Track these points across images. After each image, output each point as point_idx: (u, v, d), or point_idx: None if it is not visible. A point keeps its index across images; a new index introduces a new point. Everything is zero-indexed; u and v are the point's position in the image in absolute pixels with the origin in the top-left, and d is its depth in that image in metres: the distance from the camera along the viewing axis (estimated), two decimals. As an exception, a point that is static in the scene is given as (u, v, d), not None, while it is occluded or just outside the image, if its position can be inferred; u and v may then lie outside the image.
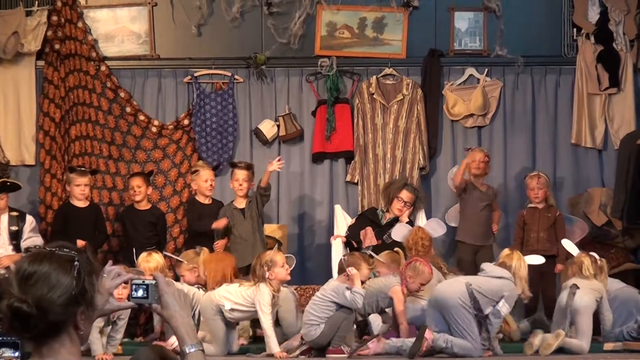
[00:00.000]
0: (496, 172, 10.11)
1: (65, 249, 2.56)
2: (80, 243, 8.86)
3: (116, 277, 2.81)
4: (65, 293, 2.50)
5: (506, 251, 7.91)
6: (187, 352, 2.73)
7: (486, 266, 7.77)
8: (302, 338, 7.51)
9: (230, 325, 7.71)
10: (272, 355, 7.35)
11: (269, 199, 9.32)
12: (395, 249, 8.53)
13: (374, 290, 7.80)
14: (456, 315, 7.33)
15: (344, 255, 7.88)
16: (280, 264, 7.49)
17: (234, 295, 7.61)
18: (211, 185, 9.27)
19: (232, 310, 7.57)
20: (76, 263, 2.53)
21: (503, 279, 7.56)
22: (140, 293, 2.80)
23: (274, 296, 7.47)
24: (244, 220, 9.12)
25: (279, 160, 9.20)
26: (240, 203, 9.19)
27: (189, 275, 8.37)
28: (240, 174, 9.17)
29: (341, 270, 7.66)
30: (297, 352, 7.44)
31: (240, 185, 9.15)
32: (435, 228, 8.96)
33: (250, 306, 7.53)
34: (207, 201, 9.32)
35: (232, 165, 9.33)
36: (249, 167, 9.24)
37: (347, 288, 7.35)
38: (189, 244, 9.24)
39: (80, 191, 9.22)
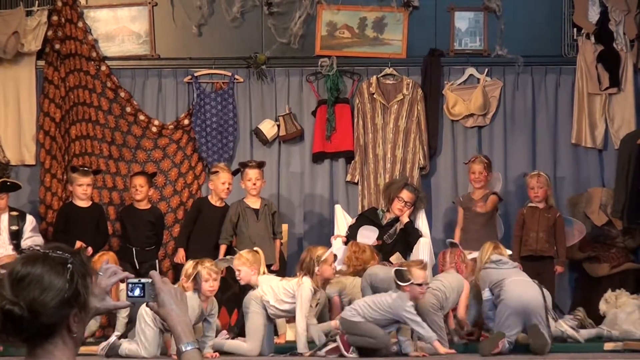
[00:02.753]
0: (496, 172, 10.10)
1: (59, 251, 2.54)
2: (77, 245, 8.88)
3: (112, 276, 2.80)
4: (57, 295, 2.49)
5: (489, 247, 8.18)
6: (184, 350, 2.73)
7: (502, 258, 8.03)
8: (327, 335, 7.54)
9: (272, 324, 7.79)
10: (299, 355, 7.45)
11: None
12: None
13: (451, 288, 7.93)
14: (541, 315, 7.56)
15: (398, 268, 7.70)
16: (329, 262, 7.62)
17: (275, 289, 7.67)
18: (228, 188, 9.19)
19: (273, 306, 7.63)
20: (69, 265, 2.52)
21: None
22: (136, 292, 2.79)
23: (315, 292, 7.56)
24: (257, 222, 9.11)
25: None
26: (254, 203, 9.17)
27: None
28: (252, 173, 9.14)
29: (400, 279, 7.50)
30: (324, 351, 7.45)
31: (254, 184, 9.12)
32: (368, 235, 8.96)
33: (291, 299, 7.60)
34: (219, 203, 9.26)
35: (243, 166, 9.29)
36: (260, 166, 9.21)
37: (408, 308, 7.32)
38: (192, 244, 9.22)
39: (82, 191, 9.22)
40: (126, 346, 7.56)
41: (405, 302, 7.34)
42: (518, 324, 7.69)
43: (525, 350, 7.71)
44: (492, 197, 9.43)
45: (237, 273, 7.98)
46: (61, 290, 2.49)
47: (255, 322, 7.65)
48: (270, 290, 7.70)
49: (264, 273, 8.00)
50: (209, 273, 7.42)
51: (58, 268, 2.51)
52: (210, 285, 7.42)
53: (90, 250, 8.53)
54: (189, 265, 7.70)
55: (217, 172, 9.26)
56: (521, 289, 7.78)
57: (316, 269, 7.54)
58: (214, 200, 9.28)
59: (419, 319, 7.36)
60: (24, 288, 2.48)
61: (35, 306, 2.47)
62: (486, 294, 8.02)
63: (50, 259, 2.52)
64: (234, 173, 9.40)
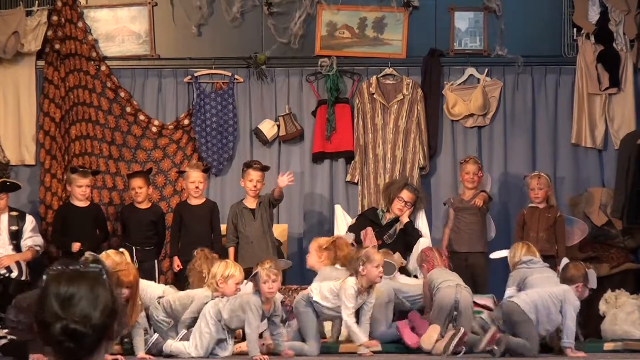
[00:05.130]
0: (496, 172, 10.10)
1: (91, 265, 2.56)
2: (75, 246, 8.88)
3: None
4: (106, 307, 2.50)
5: (522, 248, 8.28)
6: None
7: (533, 258, 8.14)
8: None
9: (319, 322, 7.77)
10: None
11: (277, 205, 9.50)
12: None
13: None
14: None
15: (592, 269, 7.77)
16: (375, 264, 7.52)
17: (322, 287, 7.66)
18: (197, 187, 9.23)
19: (318, 303, 7.62)
20: (104, 276, 2.54)
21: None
22: None
23: (360, 291, 7.50)
24: (253, 221, 9.17)
25: (289, 174, 9.26)
26: (251, 203, 9.23)
27: None
28: (255, 174, 9.19)
29: (570, 279, 7.55)
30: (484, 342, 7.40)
31: (255, 185, 9.18)
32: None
33: (334, 298, 7.58)
34: (196, 202, 9.30)
35: (247, 166, 9.32)
36: (264, 169, 9.27)
37: (577, 305, 7.42)
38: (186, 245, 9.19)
39: (81, 192, 9.22)
40: (170, 343, 7.46)
41: (575, 298, 7.43)
42: None
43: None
44: (481, 194, 9.45)
45: None
46: (107, 301, 2.51)
47: (309, 322, 7.63)
48: (318, 288, 7.70)
49: None
50: (268, 274, 7.29)
51: (97, 280, 2.52)
52: (270, 286, 7.30)
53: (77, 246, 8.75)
54: (217, 267, 7.73)
55: (186, 172, 9.34)
56: (542, 283, 7.84)
57: (360, 268, 7.49)
58: (191, 200, 9.31)
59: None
60: (75, 306, 2.47)
61: (92, 321, 2.48)
62: (508, 293, 8.06)
63: (87, 274, 2.53)
64: (205, 171, 9.46)
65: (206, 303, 7.57)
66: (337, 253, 8.41)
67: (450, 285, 7.98)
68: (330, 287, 7.64)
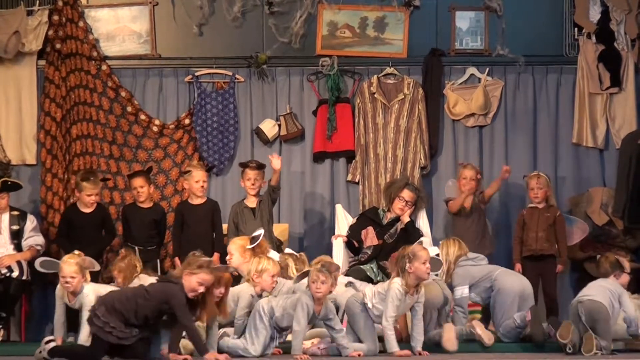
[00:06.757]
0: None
1: None
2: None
3: None
4: None
5: (454, 244, 8.44)
6: None
7: (478, 255, 8.44)
8: None
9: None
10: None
11: (278, 197, 9.47)
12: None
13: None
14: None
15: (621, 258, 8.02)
16: (422, 260, 7.38)
17: (373, 292, 7.57)
18: (202, 186, 9.26)
19: (371, 310, 7.56)
20: None
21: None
22: None
23: (407, 291, 7.41)
24: (253, 220, 9.20)
25: (278, 157, 9.28)
26: (251, 202, 9.29)
27: None
28: (252, 173, 9.25)
29: (605, 273, 7.80)
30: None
31: (253, 184, 9.24)
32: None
33: (382, 303, 7.49)
34: (198, 201, 9.31)
35: (244, 166, 9.37)
36: (260, 167, 9.30)
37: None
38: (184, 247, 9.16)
39: (91, 200, 9.19)
40: (227, 339, 7.41)
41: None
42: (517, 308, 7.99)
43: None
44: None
45: (70, 281, 7.59)
46: None
47: (366, 323, 7.54)
48: (370, 293, 7.60)
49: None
50: (317, 275, 7.22)
51: None
52: (317, 286, 7.21)
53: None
54: (250, 263, 7.76)
55: (190, 171, 9.33)
56: (514, 276, 8.26)
57: (407, 266, 7.36)
58: (193, 200, 9.31)
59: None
60: None
61: None
62: (465, 291, 8.11)
63: None
64: (208, 170, 9.51)
65: (252, 298, 7.55)
66: (258, 250, 8.36)
67: (432, 281, 7.98)
68: (379, 290, 7.54)
